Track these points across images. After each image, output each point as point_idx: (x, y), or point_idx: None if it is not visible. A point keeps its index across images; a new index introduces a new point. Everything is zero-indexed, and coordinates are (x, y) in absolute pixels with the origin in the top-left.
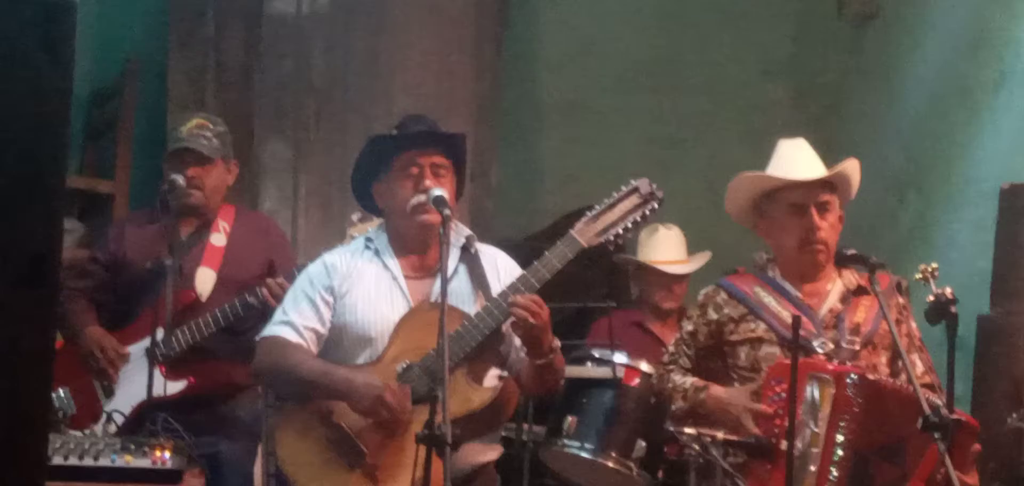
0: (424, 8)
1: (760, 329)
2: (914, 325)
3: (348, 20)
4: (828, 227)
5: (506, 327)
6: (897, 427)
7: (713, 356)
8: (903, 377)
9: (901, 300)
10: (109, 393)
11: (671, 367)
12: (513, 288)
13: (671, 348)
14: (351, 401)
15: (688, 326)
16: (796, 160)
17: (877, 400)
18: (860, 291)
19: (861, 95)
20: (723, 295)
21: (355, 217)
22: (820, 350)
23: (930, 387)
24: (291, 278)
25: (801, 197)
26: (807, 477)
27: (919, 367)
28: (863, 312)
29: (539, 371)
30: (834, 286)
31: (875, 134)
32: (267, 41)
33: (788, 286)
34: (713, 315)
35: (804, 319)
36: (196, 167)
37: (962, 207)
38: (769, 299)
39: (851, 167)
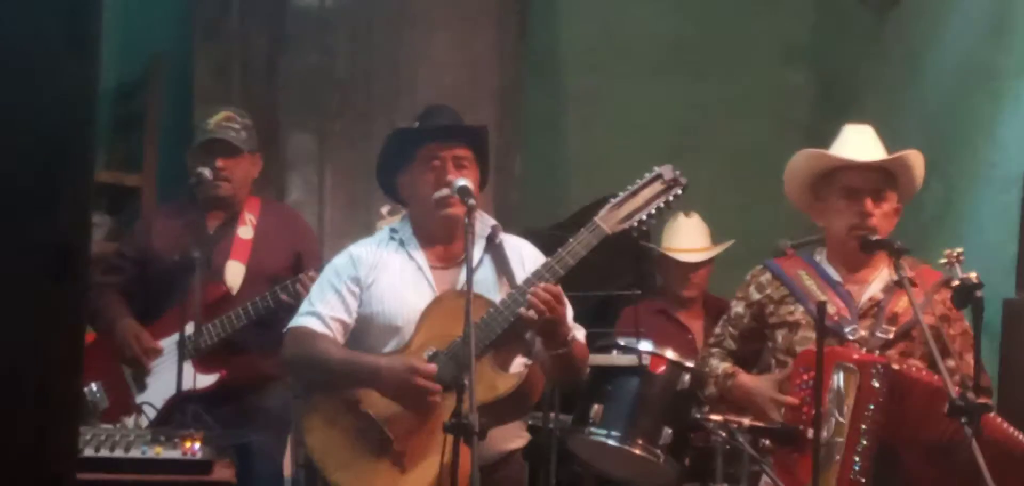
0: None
1: (798, 313)
2: (966, 324)
3: (372, 12)
4: (881, 215)
5: None
6: (926, 419)
7: (755, 338)
8: (950, 366)
9: None
10: (141, 387)
11: (714, 349)
12: (538, 275)
13: (718, 329)
14: (378, 386)
15: (736, 307)
16: (857, 144)
17: (902, 390)
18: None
19: (883, 81)
20: (767, 276)
21: (385, 210)
22: (851, 337)
23: (986, 391)
24: (321, 270)
25: (856, 181)
26: (832, 466)
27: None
28: (906, 303)
29: (557, 360)
30: (879, 275)
31: (898, 120)
32: (291, 34)
33: (831, 271)
34: (756, 295)
35: (839, 306)
36: (225, 159)
37: (986, 192)
38: (810, 283)
39: (913, 157)
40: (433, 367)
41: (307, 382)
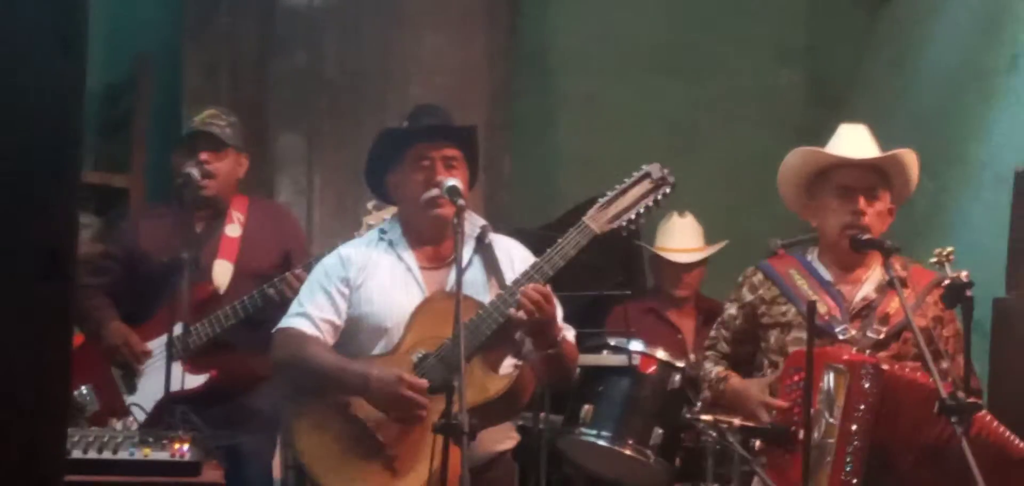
0: None
1: (790, 313)
2: (958, 325)
3: (361, 12)
4: (874, 214)
5: None
6: (917, 421)
7: (749, 340)
8: (943, 366)
9: None
10: (131, 389)
11: (708, 353)
12: (527, 276)
13: (712, 332)
14: (367, 395)
15: (730, 308)
16: (851, 142)
17: (892, 391)
18: (900, 282)
19: (875, 79)
20: (759, 276)
21: (370, 205)
22: (842, 337)
23: (976, 392)
24: (309, 268)
25: (850, 179)
26: (824, 467)
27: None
28: (898, 303)
29: (547, 361)
30: (872, 274)
31: (889, 119)
32: (281, 34)
33: (822, 270)
34: (748, 296)
35: (830, 305)
36: (209, 153)
37: (977, 190)
38: (801, 282)
39: (907, 156)
40: (423, 382)
41: (295, 384)
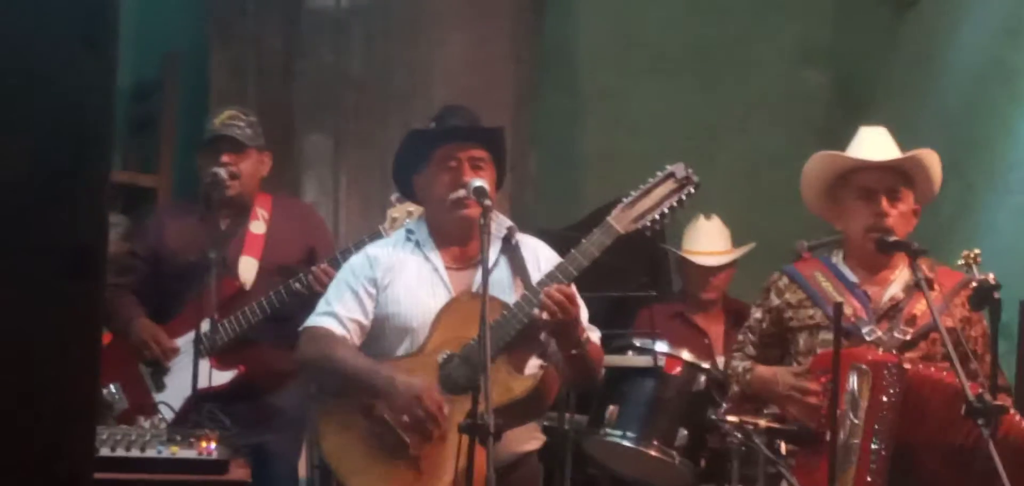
0: None
1: (818, 316)
2: (985, 325)
3: (387, 12)
4: (897, 215)
5: None
6: (943, 422)
7: (776, 344)
8: (971, 367)
9: None
10: (160, 386)
11: (736, 354)
12: (551, 277)
13: (739, 336)
14: (390, 400)
15: (756, 313)
16: (871, 144)
17: (916, 391)
18: (927, 283)
19: (901, 81)
20: (785, 280)
21: (393, 197)
22: (868, 338)
23: (1006, 390)
24: (334, 263)
25: (871, 181)
26: (849, 468)
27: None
28: (925, 304)
29: (571, 362)
30: (899, 275)
31: (915, 120)
32: (307, 35)
33: (847, 272)
34: (775, 301)
35: (855, 307)
36: (231, 154)
37: (1004, 192)
38: (827, 284)
39: (928, 156)
40: (441, 401)
41: (321, 383)
